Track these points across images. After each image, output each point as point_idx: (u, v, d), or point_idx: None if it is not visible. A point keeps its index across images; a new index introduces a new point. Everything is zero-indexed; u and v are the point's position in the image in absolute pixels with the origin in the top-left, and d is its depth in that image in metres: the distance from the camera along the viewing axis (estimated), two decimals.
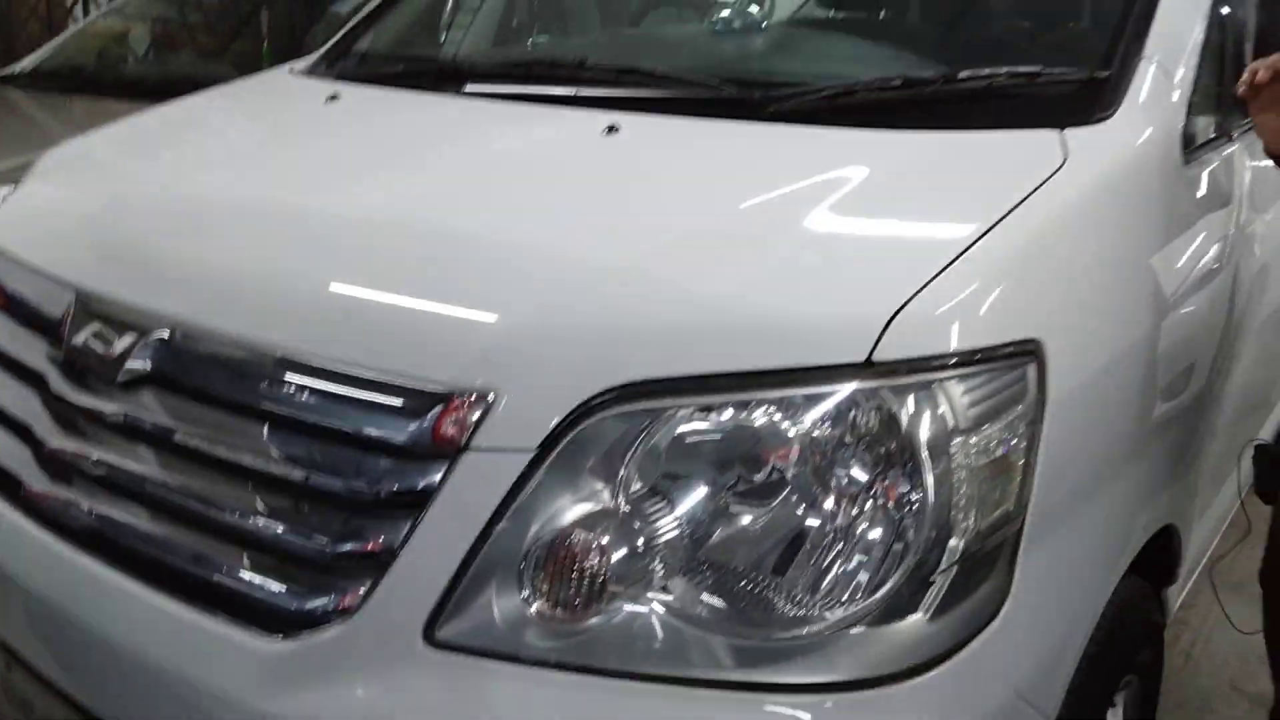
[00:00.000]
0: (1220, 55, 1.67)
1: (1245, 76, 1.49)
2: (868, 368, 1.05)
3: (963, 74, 1.49)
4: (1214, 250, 1.59)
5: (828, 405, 1.06)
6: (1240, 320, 1.81)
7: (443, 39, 2.41)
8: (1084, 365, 1.21)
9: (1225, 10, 1.65)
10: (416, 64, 2.05)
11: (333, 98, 1.78)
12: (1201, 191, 1.55)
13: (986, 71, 1.48)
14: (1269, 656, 1.77)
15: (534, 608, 1.06)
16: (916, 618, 1.06)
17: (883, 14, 2.11)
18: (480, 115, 1.66)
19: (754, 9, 2.07)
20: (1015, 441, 1.11)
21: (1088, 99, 1.42)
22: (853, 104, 1.49)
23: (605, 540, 1.06)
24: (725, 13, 2.03)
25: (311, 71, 2.05)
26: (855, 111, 1.47)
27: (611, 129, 1.47)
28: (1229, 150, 1.66)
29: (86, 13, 5.89)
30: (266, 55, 3.67)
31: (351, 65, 2.02)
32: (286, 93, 1.95)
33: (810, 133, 1.45)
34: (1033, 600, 1.15)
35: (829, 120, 1.46)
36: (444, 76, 1.86)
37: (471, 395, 1.08)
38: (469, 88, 1.76)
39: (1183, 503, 1.62)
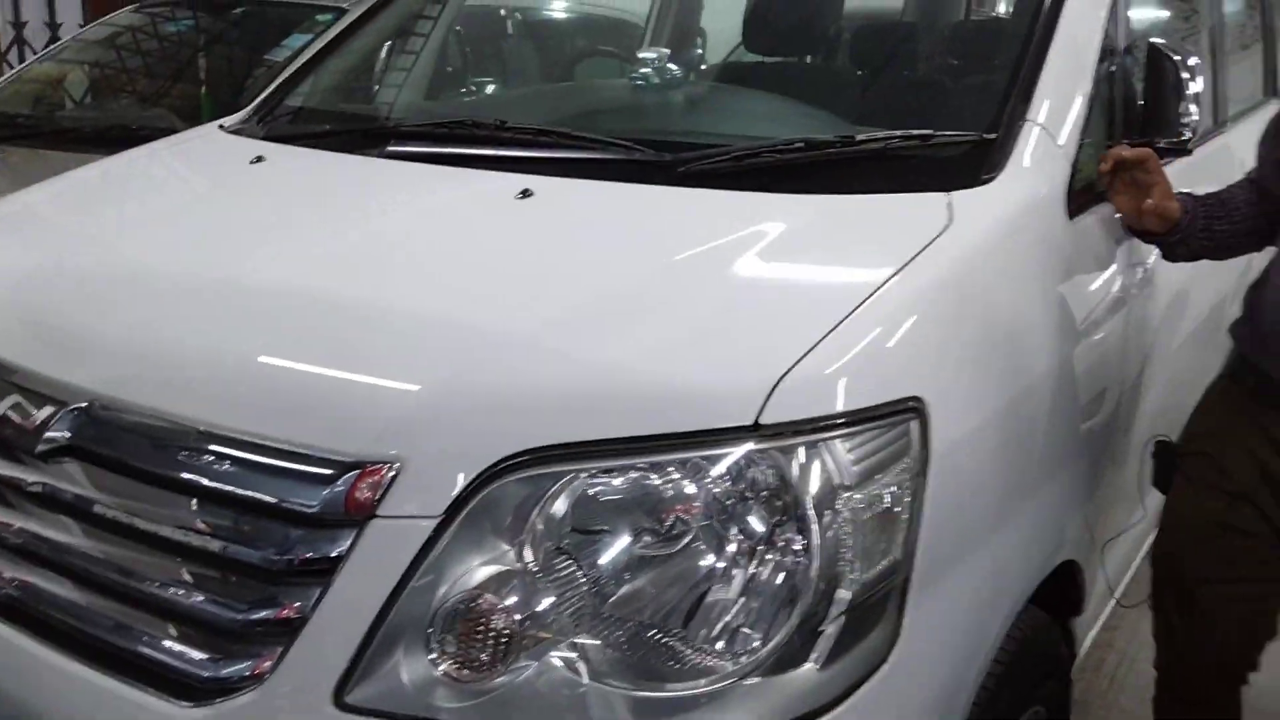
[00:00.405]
0: (1109, 110, 1.76)
1: (1104, 164, 1.59)
2: (755, 431, 1.11)
3: (860, 136, 1.58)
4: (1104, 297, 1.68)
5: (720, 467, 1.12)
6: (1136, 360, 1.90)
7: (373, 93, 2.45)
8: (968, 418, 1.28)
9: (1111, 69, 1.74)
10: (341, 122, 2.09)
11: (258, 159, 1.82)
12: (1088, 244, 1.63)
13: (881, 135, 1.57)
14: (1153, 626, 1.82)
15: (441, 669, 1.10)
16: (808, 667, 1.12)
17: (792, 73, 2.19)
18: (400, 179, 1.71)
19: (673, 66, 2.14)
20: (900, 495, 1.18)
21: (975, 161, 1.50)
22: (757, 166, 1.55)
23: (511, 600, 1.11)
24: (646, 69, 2.10)
25: (241, 129, 2.08)
26: (759, 174, 1.54)
27: (525, 193, 1.53)
28: None
29: (22, 58, 5.84)
30: (205, 101, 3.69)
31: (280, 124, 2.06)
32: (213, 154, 1.98)
33: (716, 196, 1.51)
34: (923, 643, 1.21)
35: (735, 184, 1.53)
36: (368, 137, 1.91)
37: (379, 464, 1.12)
38: (392, 148, 1.81)
39: (1083, 537, 1.70)
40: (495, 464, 1.11)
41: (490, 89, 2.47)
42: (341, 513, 1.12)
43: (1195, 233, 1.70)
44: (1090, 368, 1.65)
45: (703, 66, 2.70)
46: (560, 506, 1.12)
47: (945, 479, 1.22)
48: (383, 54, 2.52)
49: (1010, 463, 1.38)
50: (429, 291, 1.33)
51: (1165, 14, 2.37)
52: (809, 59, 2.56)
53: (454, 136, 1.80)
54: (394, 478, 1.12)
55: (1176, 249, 1.74)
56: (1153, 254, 1.86)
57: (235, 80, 3.63)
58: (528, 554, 1.12)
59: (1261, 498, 1.64)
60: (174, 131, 3.09)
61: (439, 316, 1.27)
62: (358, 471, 1.13)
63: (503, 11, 3.54)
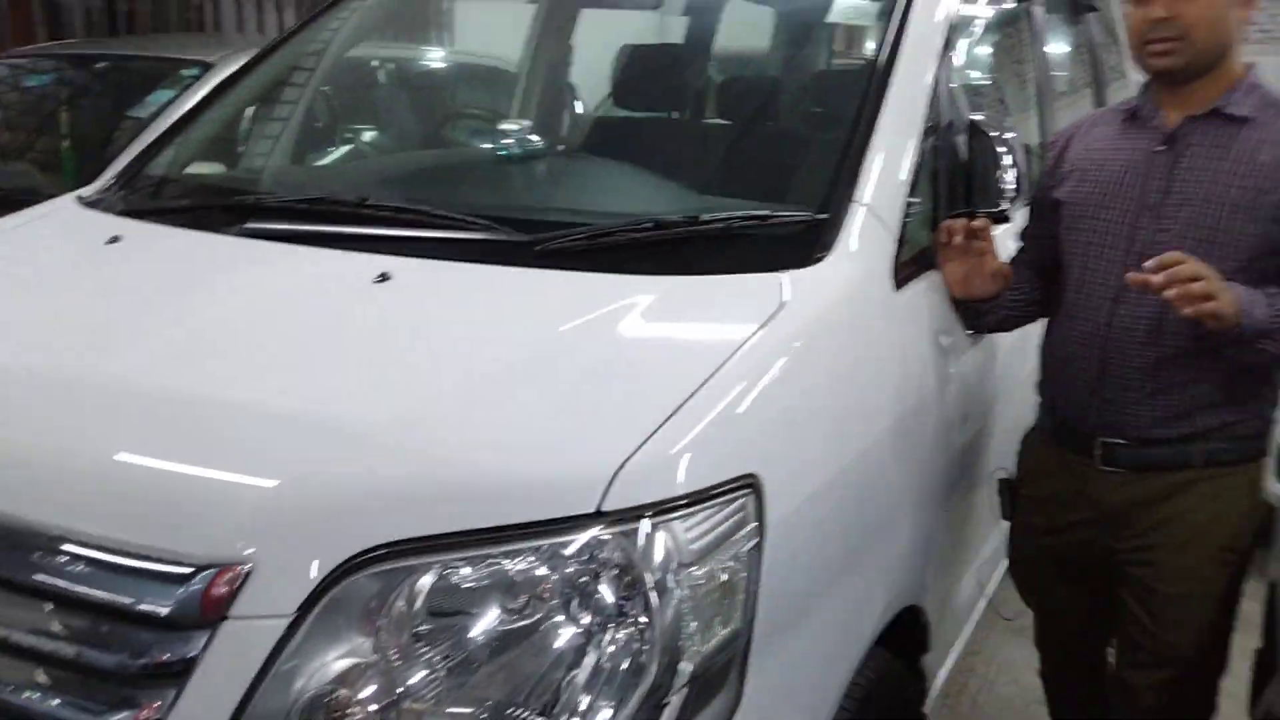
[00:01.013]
0: (934, 183, 1.90)
1: (943, 236, 1.75)
2: (598, 517, 1.17)
3: (704, 217, 1.67)
4: (936, 358, 1.81)
5: (568, 551, 1.18)
6: (979, 408, 2.06)
7: (237, 161, 2.45)
8: (802, 489, 1.37)
9: (935, 148, 1.88)
10: (202, 196, 2.08)
11: (113, 239, 1.81)
12: (916, 311, 1.76)
13: (724, 215, 1.66)
14: (1016, 590, 2.18)
15: None
16: None
17: (651, 137, 2.28)
18: (257, 261, 1.72)
19: (535, 139, 2.21)
20: (738, 568, 1.26)
21: (807, 241, 1.60)
22: (610, 246, 1.63)
23: (369, 691, 1.15)
24: (509, 140, 2.16)
25: (98, 201, 2.06)
26: (610, 254, 1.61)
27: (383, 276, 1.57)
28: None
29: None
30: (67, 156, 3.60)
31: (139, 197, 2.05)
32: (67, 233, 1.95)
33: (569, 278, 1.57)
34: (767, 702, 1.30)
35: (588, 264, 1.59)
36: (227, 213, 1.90)
37: (229, 566, 1.15)
38: (251, 225, 1.82)
39: (925, 583, 1.82)
40: (346, 561, 1.15)
41: (358, 153, 2.48)
42: (195, 615, 1.15)
43: (1005, 301, 1.88)
44: (928, 424, 1.77)
45: (567, 129, 2.78)
46: (415, 597, 1.17)
47: (781, 548, 1.31)
48: (247, 119, 2.52)
49: (846, 525, 1.49)
50: (281, 385, 1.36)
51: (988, 84, 2.55)
52: (674, 115, 2.68)
53: (314, 214, 1.83)
54: (246, 578, 1.14)
55: (986, 317, 1.91)
56: None
57: (98, 136, 3.55)
58: (385, 644, 1.17)
59: (1069, 527, 1.93)
60: (35, 190, 3.02)
61: (290, 412, 1.30)
62: (210, 572, 1.15)
63: (374, 63, 3.56)
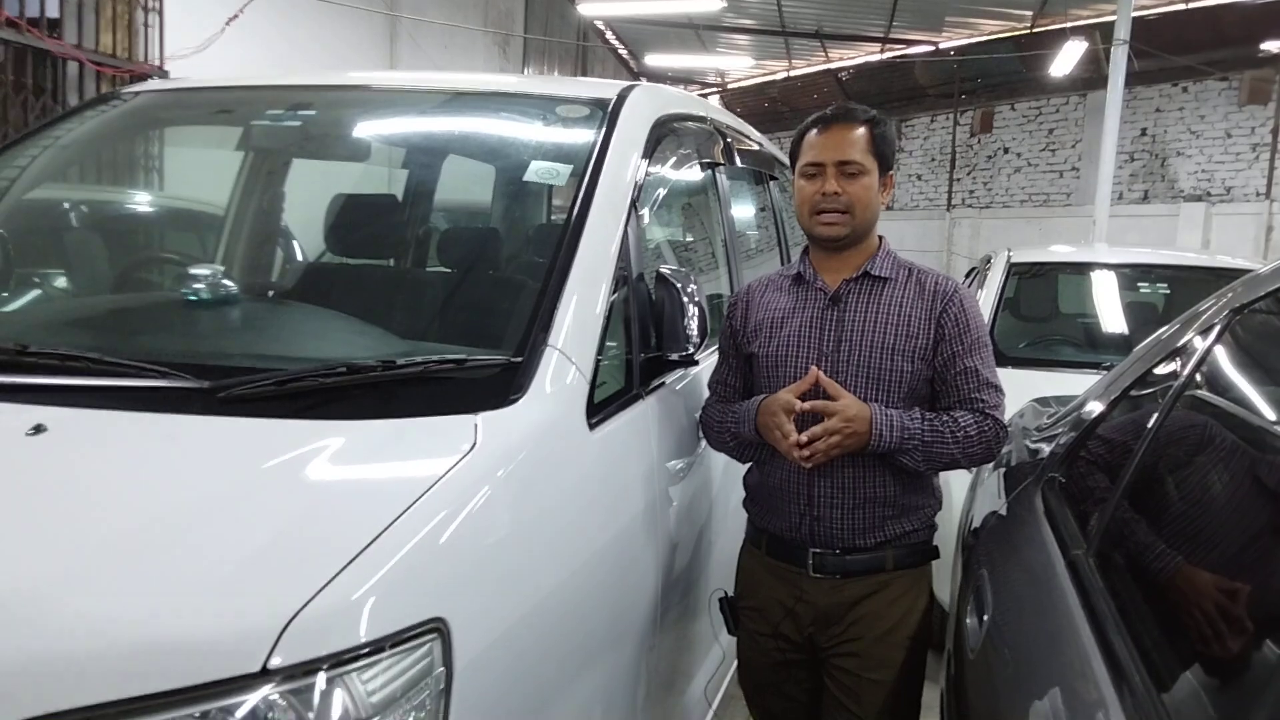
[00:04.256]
0: (627, 327, 2.02)
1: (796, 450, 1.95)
2: (264, 676, 1.11)
3: (400, 360, 1.67)
4: (633, 494, 1.88)
5: (237, 715, 1.10)
6: (689, 531, 2.15)
7: None
8: (492, 629, 1.36)
9: (626, 297, 2.00)
10: None
11: None
12: (611, 449, 1.83)
13: (420, 359, 1.66)
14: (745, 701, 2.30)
15: None
16: None
17: (346, 296, 2.25)
18: None
19: (228, 283, 2.14)
20: (424, 714, 1.22)
21: (502, 383, 1.64)
22: (300, 390, 1.58)
23: None
24: (198, 286, 2.07)
25: None
26: (302, 399, 1.57)
27: (39, 429, 1.44)
28: (639, 406, 1.99)
29: None
30: None
31: None
32: None
33: (252, 425, 1.51)
34: None
35: (276, 410, 1.54)
36: None
37: None
38: None
39: (634, 706, 1.84)
40: None
41: (29, 301, 2.29)
42: None
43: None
44: (629, 558, 1.82)
45: (269, 275, 2.72)
46: None
47: (471, 691, 1.28)
48: None
49: (540, 665, 1.48)
50: None
51: (677, 239, 2.77)
52: (386, 263, 2.69)
53: None
54: None
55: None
56: (700, 445, 2.20)
57: None
58: None
59: (788, 629, 2.11)
60: None
61: None
62: None
63: (65, 205, 3.34)
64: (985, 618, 1.81)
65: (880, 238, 2.13)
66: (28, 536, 1.25)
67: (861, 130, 2.04)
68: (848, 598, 2.05)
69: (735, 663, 2.29)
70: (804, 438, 1.92)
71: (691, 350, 2.04)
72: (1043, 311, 4.97)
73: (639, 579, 1.87)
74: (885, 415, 1.94)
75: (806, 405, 1.94)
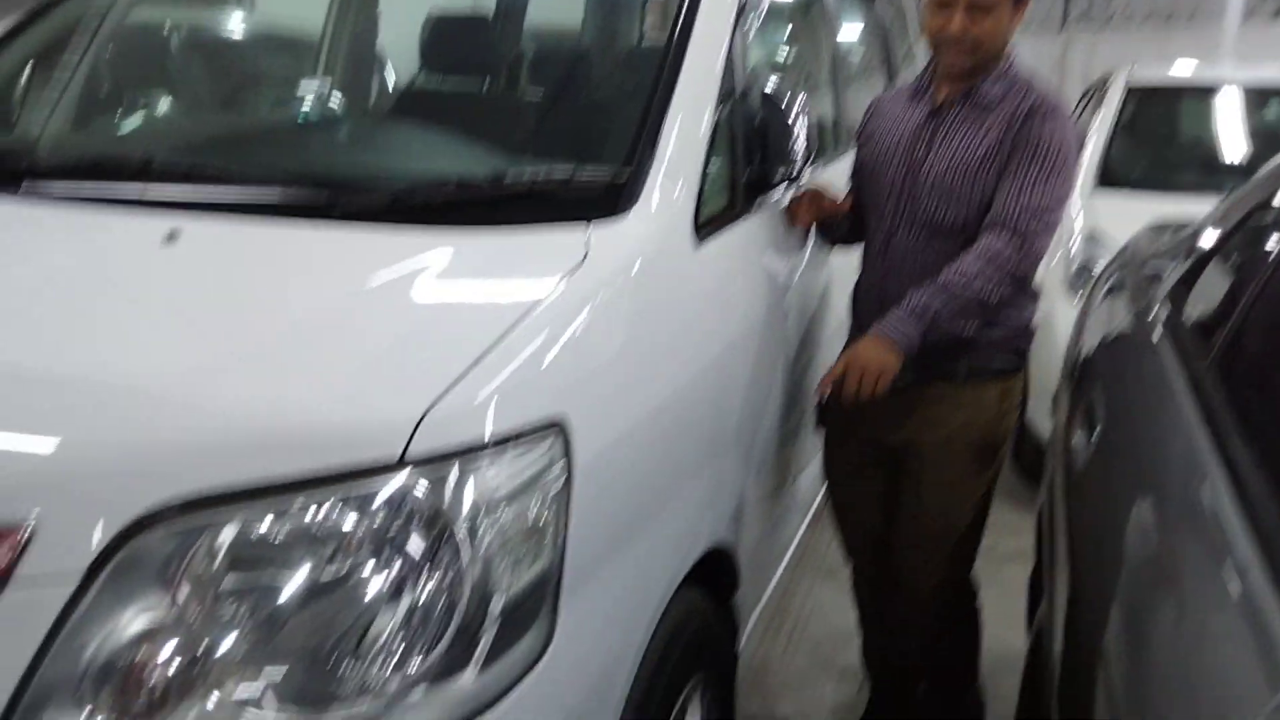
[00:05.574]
0: (731, 145, 1.99)
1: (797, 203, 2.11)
2: (403, 465, 1.18)
3: (509, 175, 1.69)
4: (736, 310, 1.90)
5: (374, 501, 1.17)
6: (789, 348, 2.18)
7: (14, 120, 2.28)
8: (609, 431, 1.42)
9: (731, 109, 1.97)
10: None
11: None
12: (717, 265, 1.84)
13: (529, 173, 1.69)
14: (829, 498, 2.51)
15: None
16: (467, 674, 1.20)
17: (459, 103, 2.28)
18: (37, 222, 1.62)
19: (335, 100, 2.15)
20: (547, 509, 1.29)
21: (611, 197, 1.65)
22: (412, 204, 1.63)
23: (166, 649, 1.12)
24: (307, 104, 2.10)
25: None
26: (414, 211, 1.61)
27: (171, 236, 1.51)
28: (744, 225, 1.99)
29: None
30: None
31: None
32: None
33: (371, 234, 1.56)
34: (578, 636, 1.33)
35: (390, 219, 1.58)
36: (2, 174, 1.78)
37: (9, 530, 1.09)
38: (28, 187, 1.71)
39: (735, 525, 1.91)
40: (137, 518, 1.11)
41: (145, 118, 2.35)
42: None
43: (844, 222, 2.30)
44: (738, 372, 1.86)
45: (373, 95, 2.73)
46: (215, 553, 1.14)
47: (589, 489, 1.35)
48: (25, 76, 2.35)
49: (653, 468, 1.55)
50: (63, 346, 1.29)
51: (783, 54, 2.68)
52: (485, 80, 2.67)
53: (98, 173, 1.73)
54: (28, 539, 1.09)
55: (833, 233, 2.35)
56: (803, 261, 2.24)
57: None
58: (184, 601, 1.13)
59: (863, 430, 2.25)
60: None
61: (73, 372, 1.24)
62: None
63: (165, 29, 3.36)
64: (1097, 430, 1.81)
65: (1009, 52, 2.08)
66: (173, 331, 1.33)
67: None
68: (918, 401, 2.13)
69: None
70: (827, 390, 2.04)
71: (795, 172, 2.01)
72: (1164, 133, 4.72)
73: (747, 387, 1.91)
74: (891, 319, 1.99)
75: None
